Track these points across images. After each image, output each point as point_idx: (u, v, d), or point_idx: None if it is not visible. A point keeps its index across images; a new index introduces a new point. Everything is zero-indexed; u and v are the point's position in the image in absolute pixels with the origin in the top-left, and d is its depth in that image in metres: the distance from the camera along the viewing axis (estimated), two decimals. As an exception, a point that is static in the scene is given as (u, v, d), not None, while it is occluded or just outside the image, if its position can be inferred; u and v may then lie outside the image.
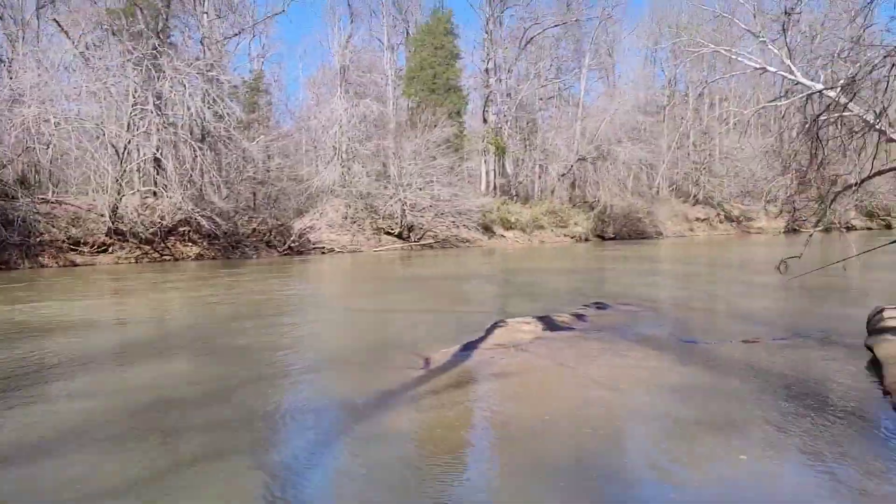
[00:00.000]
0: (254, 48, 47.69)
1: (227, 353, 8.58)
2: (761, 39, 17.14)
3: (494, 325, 9.60)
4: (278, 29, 66.18)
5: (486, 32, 45.24)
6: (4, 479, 4.36)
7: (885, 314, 7.78)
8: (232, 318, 11.73)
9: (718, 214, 54.30)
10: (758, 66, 16.27)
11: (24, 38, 29.97)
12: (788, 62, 14.30)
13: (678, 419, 5.48)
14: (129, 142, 25.88)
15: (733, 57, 17.92)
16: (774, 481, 4.21)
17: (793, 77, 13.93)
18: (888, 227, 53.31)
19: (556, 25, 47.35)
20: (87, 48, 27.83)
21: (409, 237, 35.49)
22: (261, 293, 15.70)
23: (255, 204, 32.93)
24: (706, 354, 7.84)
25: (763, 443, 4.82)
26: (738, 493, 4.06)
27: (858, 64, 9.57)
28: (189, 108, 27.27)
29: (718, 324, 10.84)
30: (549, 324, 9.79)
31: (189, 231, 27.03)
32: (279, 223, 31.32)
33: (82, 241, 24.07)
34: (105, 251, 24.55)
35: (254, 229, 30.26)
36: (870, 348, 7.15)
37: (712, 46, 19.21)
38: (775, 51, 15.90)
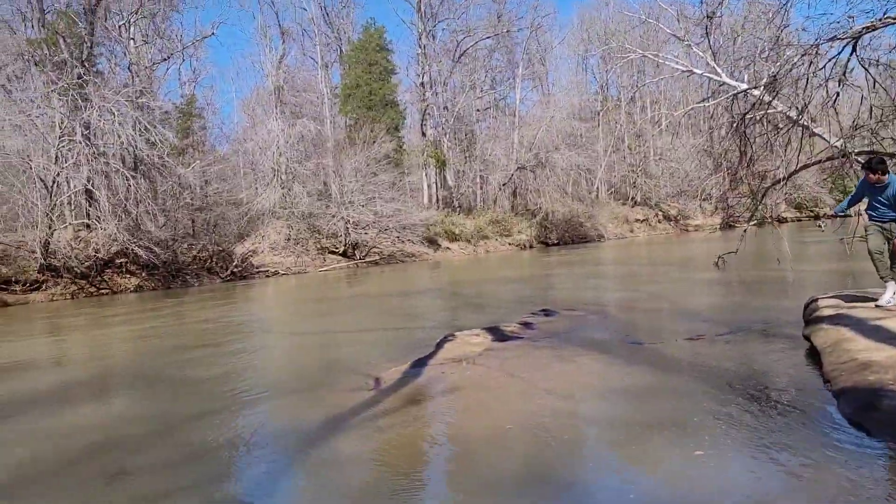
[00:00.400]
0: (184, 72, 46.97)
1: (172, 386, 8.33)
2: (686, 43, 17.66)
3: (444, 340, 9.57)
4: (209, 52, 65.37)
5: (420, 47, 45.42)
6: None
7: (820, 303, 8.04)
8: (175, 349, 11.41)
9: (657, 215, 55.55)
10: (684, 68, 16.74)
11: (-61, 72, 28.81)
12: (713, 64, 14.74)
13: (630, 421, 5.53)
14: (58, 174, 25.06)
15: (661, 61, 18.39)
16: (727, 475, 4.28)
17: (718, 78, 14.36)
18: (816, 217, 55.35)
19: (488, 37, 47.91)
20: (9, 80, 26.92)
21: (354, 255, 35.25)
22: (204, 322, 15.35)
23: (194, 231, 32.19)
24: (653, 354, 7.97)
25: (713, 438, 4.90)
26: (694, 489, 4.11)
27: (779, 63, 9.90)
28: (120, 137, 26.56)
29: (663, 323, 11.04)
30: (498, 334, 9.81)
31: (126, 262, 26.27)
32: (220, 249, 30.72)
33: (13, 279, 23.13)
34: (38, 288, 23.65)
35: (194, 257, 29.60)
36: (807, 338, 7.37)
37: (640, 52, 19.70)
38: (700, 53, 16.39)
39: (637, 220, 54.07)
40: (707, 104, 16.76)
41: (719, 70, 14.54)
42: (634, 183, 56.29)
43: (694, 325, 9.78)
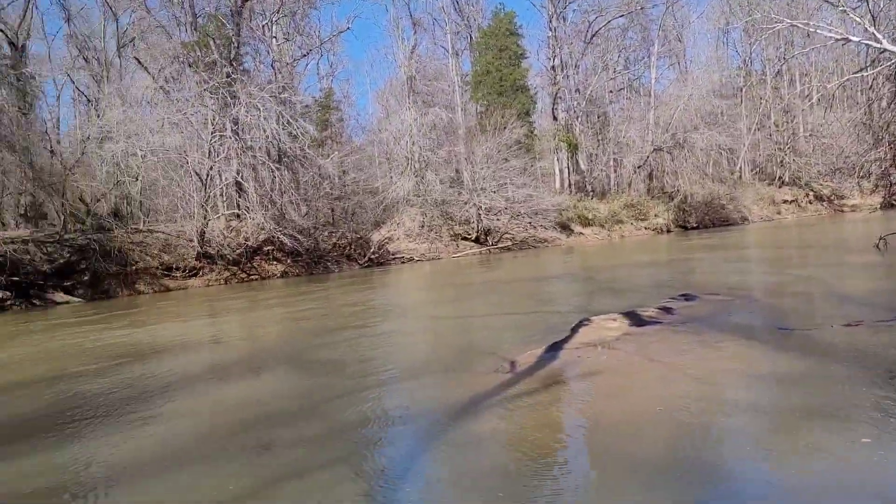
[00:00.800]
0: (322, 67, 48.74)
1: (318, 366, 8.74)
2: (841, 8, 16.34)
3: (579, 324, 9.44)
4: (345, 46, 67.28)
5: (551, 30, 44.76)
6: (121, 497, 4.55)
7: None
8: (320, 331, 11.96)
9: (807, 195, 51.93)
10: (839, 36, 15.53)
11: (108, 77, 31.64)
12: (872, 30, 13.59)
13: (782, 409, 5.24)
14: (212, 168, 26.81)
15: (812, 30, 17.16)
16: (888, 467, 3.96)
17: (878, 45, 13.22)
18: None
19: (621, 16, 46.44)
20: (167, 81, 29.05)
21: (486, 241, 35.43)
22: (346, 306, 15.98)
23: (333, 219, 33.56)
24: (805, 341, 7.49)
25: (880, 428, 4.55)
26: (863, 477, 3.83)
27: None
28: (265, 131, 27.99)
29: (816, 308, 10.35)
30: (636, 319, 9.56)
31: (273, 250, 27.75)
32: (358, 236, 31.80)
33: (174, 266, 25.02)
34: (196, 275, 25.46)
35: (334, 244, 30.79)
36: None
37: (788, 21, 18.43)
38: (857, 19, 15.13)
39: (784, 202, 50.81)
40: (865, 73, 15.49)
41: (879, 36, 13.37)
42: (782, 162, 52.85)
43: (851, 310, 9.09)
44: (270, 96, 28.38)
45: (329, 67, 49.38)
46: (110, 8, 33.89)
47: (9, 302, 20.82)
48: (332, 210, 34.09)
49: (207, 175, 26.67)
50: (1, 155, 23.51)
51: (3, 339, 14.35)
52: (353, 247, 31.12)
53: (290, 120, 28.85)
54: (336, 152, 35.46)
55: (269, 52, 34.73)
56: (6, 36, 30.07)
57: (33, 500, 4.64)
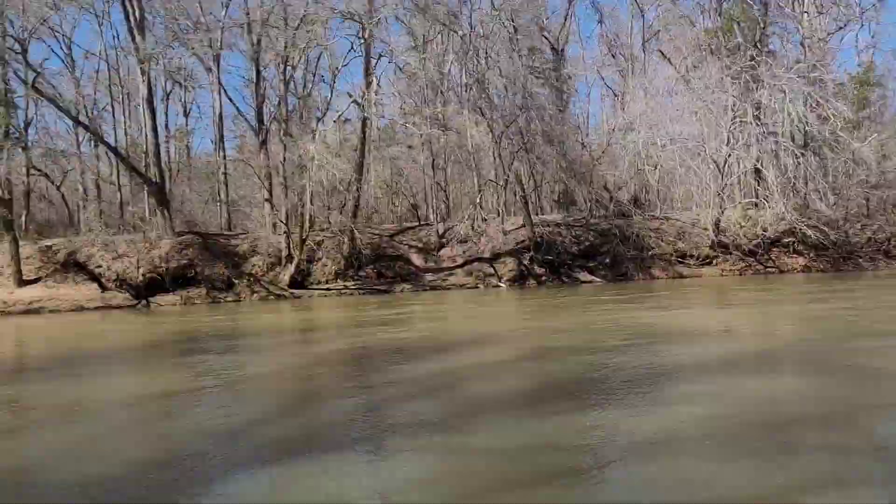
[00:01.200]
0: (861, 39, 42.95)
1: (846, 373, 7.63)
2: None
3: None
4: (890, 13, 58.43)
5: None
6: (643, 470, 4.58)
7: None
8: (847, 335, 10.50)
9: None
10: None
11: (632, 71, 33.41)
12: None
13: None
14: (729, 155, 26.28)
15: None
16: None
17: None
18: None
19: None
20: (687, 70, 29.32)
21: None
22: (881, 309, 13.94)
23: (868, 210, 29.83)
24: None
25: None
26: None
27: None
28: (789, 114, 26.30)
29: None
30: None
31: (793, 242, 26.09)
32: (900, 231, 27.65)
33: (688, 254, 25.47)
34: (709, 263, 25.47)
35: (868, 238, 27.46)
36: None
37: None
38: None
39: None
40: None
41: None
42: None
43: None
44: (798, 77, 26.38)
45: (870, 38, 43.30)
46: (637, 5, 35.61)
47: (544, 278, 24.00)
48: (867, 200, 30.23)
49: (724, 163, 26.27)
50: (542, 148, 26.84)
51: (550, 310, 16.65)
52: (891, 242, 27.21)
53: (820, 101, 26.42)
54: (875, 134, 31.03)
55: (798, 30, 32.22)
56: (549, 42, 34.03)
57: (571, 454, 4.99)
